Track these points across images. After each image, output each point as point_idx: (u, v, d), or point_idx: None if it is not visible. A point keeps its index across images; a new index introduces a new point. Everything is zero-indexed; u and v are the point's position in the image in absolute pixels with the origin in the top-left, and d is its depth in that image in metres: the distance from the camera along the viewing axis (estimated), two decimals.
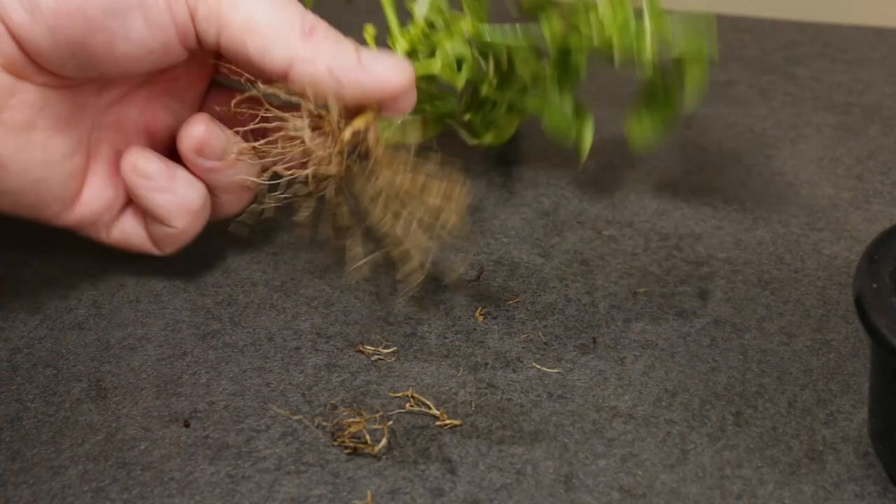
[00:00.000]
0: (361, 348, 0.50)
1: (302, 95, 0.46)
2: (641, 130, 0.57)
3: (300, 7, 0.47)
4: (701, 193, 0.60)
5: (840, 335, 0.51)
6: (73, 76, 0.47)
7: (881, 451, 0.44)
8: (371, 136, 0.47)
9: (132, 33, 0.45)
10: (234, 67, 0.48)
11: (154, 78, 0.50)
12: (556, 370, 0.49)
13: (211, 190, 0.50)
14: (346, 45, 0.47)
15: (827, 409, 0.47)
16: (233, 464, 0.45)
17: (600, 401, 0.48)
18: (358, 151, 0.48)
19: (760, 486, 0.44)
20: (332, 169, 0.47)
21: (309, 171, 0.47)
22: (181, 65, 0.50)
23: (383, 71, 0.47)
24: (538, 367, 0.49)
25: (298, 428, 0.47)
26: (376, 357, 0.50)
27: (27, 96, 0.46)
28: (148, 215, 0.50)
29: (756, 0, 0.80)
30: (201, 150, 0.49)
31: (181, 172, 0.50)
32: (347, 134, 0.47)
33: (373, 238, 0.50)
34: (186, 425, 0.47)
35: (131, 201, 0.51)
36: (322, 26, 0.47)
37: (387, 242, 0.49)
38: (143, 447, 0.46)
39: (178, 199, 0.49)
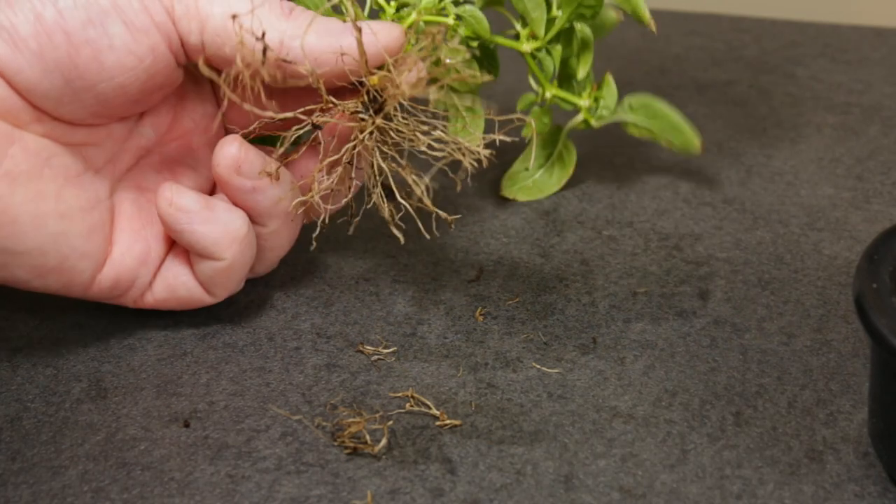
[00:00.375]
0: (361, 348, 0.50)
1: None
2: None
3: None
4: (701, 193, 0.60)
5: (840, 335, 0.51)
6: (73, 115, 0.46)
7: (881, 451, 0.44)
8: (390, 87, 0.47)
9: (115, 40, 0.45)
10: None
11: (164, 137, 0.51)
12: (556, 370, 0.49)
13: (256, 219, 0.49)
14: (328, 17, 0.47)
15: (827, 409, 0.47)
16: (233, 464, 0.45)
17: (600, 401, 0.48)
18: (378, 102, 0.48)
19: (760, 486, 0.44)
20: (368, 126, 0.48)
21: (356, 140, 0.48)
22: (187, 118, 0.50)
23: (379, 28, 0.47)
24: (538, 367, 0.49)
25: (298, 428, 0.47)
26: (376, 357, 0.50)
27: (28, 145, 0.45)
28: (194, 253, 0.49)
29: (756, 0, 0.80)
30: (240, 168, 0.48)
31: (219, 202, 0.49)
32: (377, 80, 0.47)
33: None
34: (186, 425, 0.47)
35: (167, 253, 0.50)
36: (298, 7, 0.47)
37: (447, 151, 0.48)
38: (143, 447, 0.46)
39: (221, 226, 0.48)
